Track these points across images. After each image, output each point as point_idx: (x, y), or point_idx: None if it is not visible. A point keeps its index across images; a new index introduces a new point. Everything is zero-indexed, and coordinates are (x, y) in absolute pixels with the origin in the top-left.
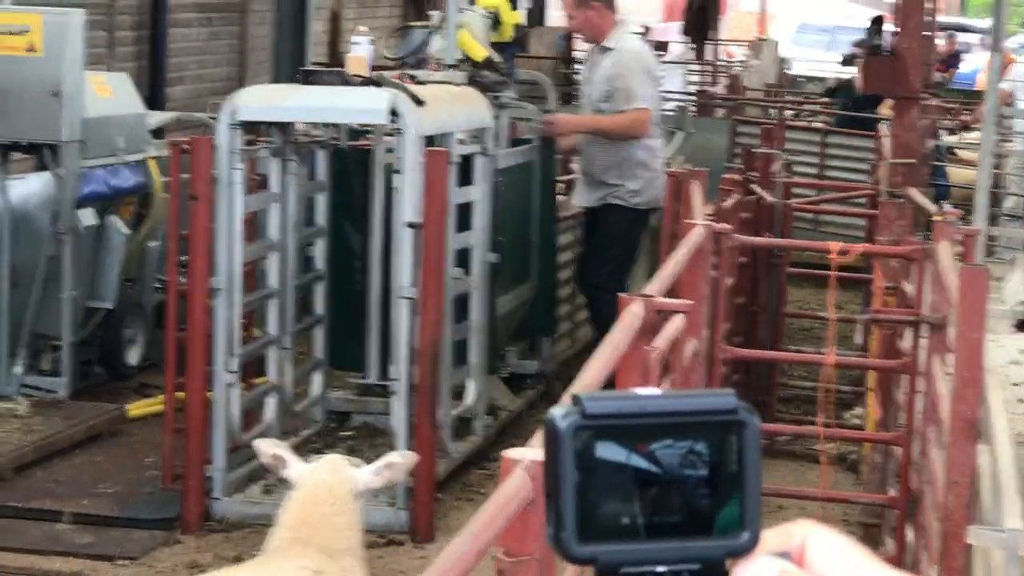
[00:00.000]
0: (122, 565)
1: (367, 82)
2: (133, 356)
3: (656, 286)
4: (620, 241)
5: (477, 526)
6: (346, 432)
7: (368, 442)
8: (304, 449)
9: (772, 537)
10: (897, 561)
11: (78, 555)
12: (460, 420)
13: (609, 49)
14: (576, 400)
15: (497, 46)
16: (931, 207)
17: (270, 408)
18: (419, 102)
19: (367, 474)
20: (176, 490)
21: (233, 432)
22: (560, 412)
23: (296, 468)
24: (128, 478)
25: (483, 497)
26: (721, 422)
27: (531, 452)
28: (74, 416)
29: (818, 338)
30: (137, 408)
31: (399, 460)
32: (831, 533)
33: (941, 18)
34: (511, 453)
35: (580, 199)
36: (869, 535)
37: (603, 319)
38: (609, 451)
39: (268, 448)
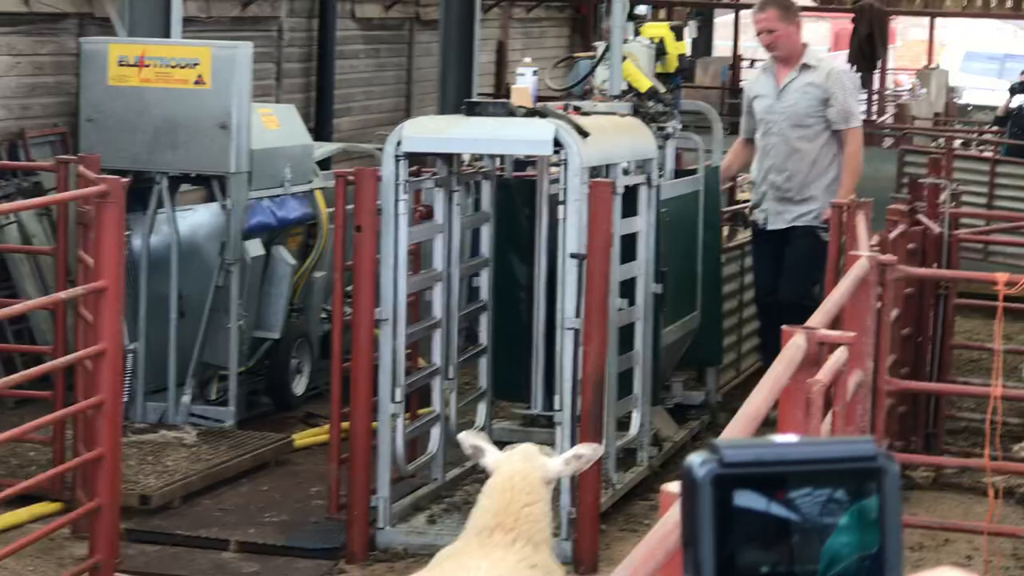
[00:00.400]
0: None
1: (531, 113)
2: (299, 386)
3: (820, 318)
4: (815, 261)
5: (637, 559)
6: None
7: None
8: (469, 479)
9: None
10: None
11: None
12: (624, 451)
13: (810, 67)
14: (714, 448)
15: (661, 76)
16: None
17: (435, 438)
18: (583, 133)
19: (558, 463)
20: (341, 519)
21: (398, 462)
22: (698, 460)
23: (493, 456)
24: (294, 507)
25: (646, 528)
26: (861, 469)
27: None
28: (241, 445)
29: (987, 369)
30: (303, 438)
31: (587, 451)
32: None
33: None
34: (670, 487)
35: (776, 222)
36: None
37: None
38: (748, 499)
39: (469, 439)
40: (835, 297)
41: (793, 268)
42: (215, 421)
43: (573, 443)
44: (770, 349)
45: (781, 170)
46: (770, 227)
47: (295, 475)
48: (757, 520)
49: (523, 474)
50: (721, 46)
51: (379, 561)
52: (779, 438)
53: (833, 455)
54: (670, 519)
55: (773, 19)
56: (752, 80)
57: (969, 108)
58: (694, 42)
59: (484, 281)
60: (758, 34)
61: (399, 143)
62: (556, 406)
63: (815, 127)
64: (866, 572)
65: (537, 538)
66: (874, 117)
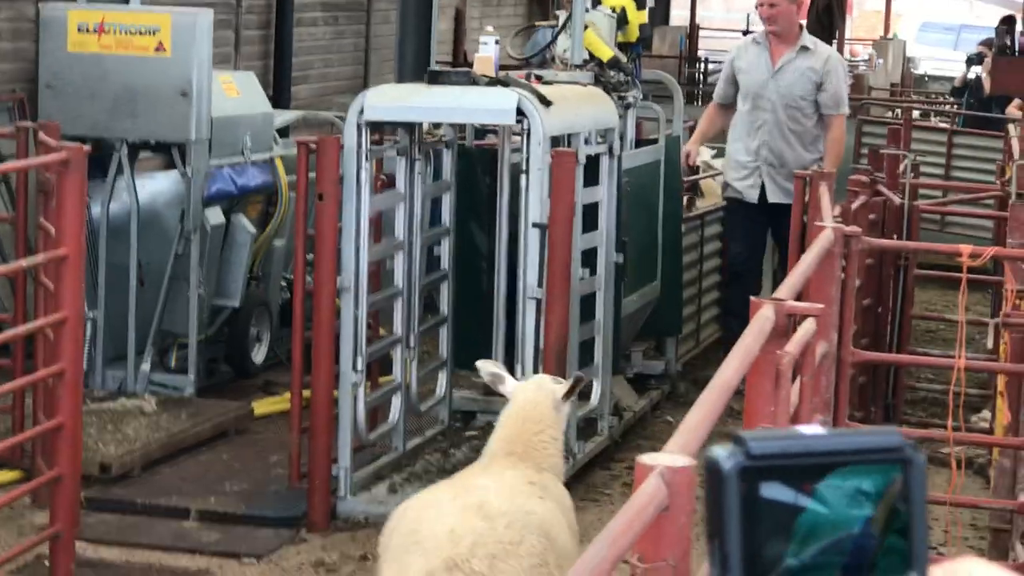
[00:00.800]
0: (248, 563)
1: (494, 82)
2: (259, 354)
3: (787, 289)
4: None
5: (614, 532)
6: (471, 432)
7: None
8: (430, 448)
9: (939, 574)
10: None
11: (204, 552)
12: (585, 420)
13: (808, 50)
14: (740, 440)
15: (622, 46)
16: None
17: (396, 407)
18: (546, 102)
19: (562, 389)
20: (302, 488)
21: (359, 431)
22: (724, 453)
23: (510, 384)
24: (254, 476)
25: (607, 498)
26: (887, 460)
27: (665, 458)
28: (201, 414)
29: (944, 340)
30: (263, 406)
31: (582, 376)
32: (996, 570)
33: None
34: (645, 459)
35: (776, 196)
36: (998, 541)
37: None
38: (775, 491)
39: (487, 367)
40: (801, 269)
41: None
42: (174, 389)
43: None
44: (740, 317)
45: (774, 148)
46: (770, 200)
47: (255, 444)
48: (784, 512)
49: (535, 403)
50: (678, 15)
51: (340, 530)
52: (805, 429)
53: (859, 446)
54: (645, 491)
55: None
56: (739, 50)
57: (926, 78)
58: (651, 11)
59: (445, 251)
60: (758, 6)
61: (362, 111)
62: (517, 376)
63: (806, 109)
64: (851, 550)
65: (544, 464)
66: None
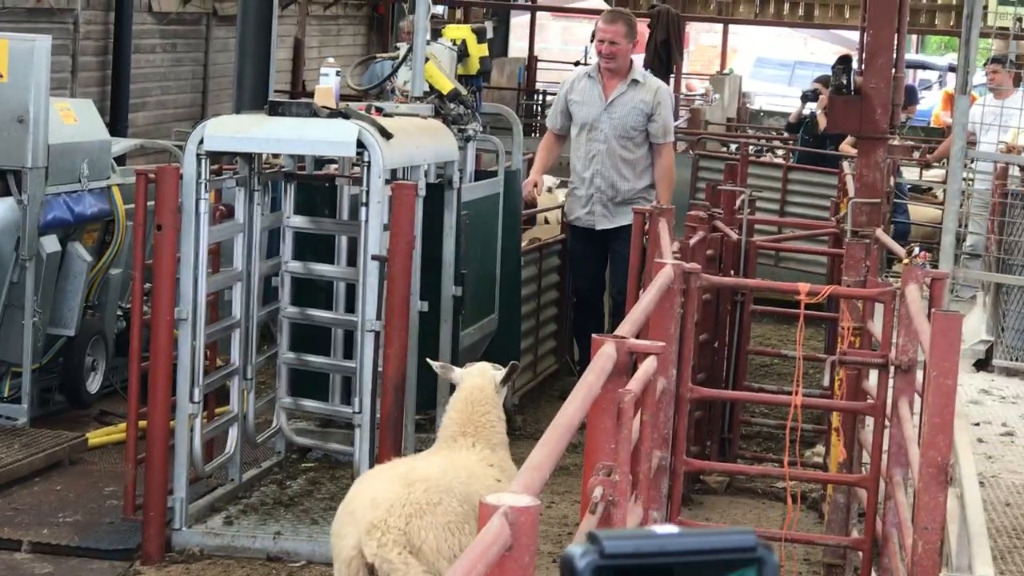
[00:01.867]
0: None
1: (335, 114)
2: (94, 384)
3: (628, 326)
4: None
5: (458, 573)
6: (308, 463)
7: (329, 474)
8: (266, 479)
9: None
10: None
11: None
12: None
13: (638, 82)
14: (594, 539)
15: (463, 78)
16: (900, 250)
17: (232, 438)
18: (387, 135)
19: (501, 374)
20: (137, 520)
21: (195, 462)
22: (579, 551)
23: (457, 373)
24: (88, 507)
25: None
26: (741, 560)
27: (509, 497)
28: (34, 444)
29: (778, 374)
30: (98, 436)
31: (511, 368)
32: None
33: None
34: (489, 498)
35: (604, 223)
36: None
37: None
38: None
39: (436, 363)
40: (642, 305)
41: (623, 264)
42: (7, 419)
43: (372, 446)
44: (585, 342)
45: (606, 176)
46: (599, 227)
47: (89, 475)
48: None
49: (480, 387)
50: (516, 47)
51: (175, 563)
52: (660, 529)
53: (713, 546)
54: (489, 531)
55: (620, 34)
56: (572, 81)
57: (761, 114)
58: (490, 43)
59: (287, 281)
60: (599, 42)
61: (202, 141)
62: (355, 408)
63: (637, 139)
64: None
65: (494, 441)
66: None
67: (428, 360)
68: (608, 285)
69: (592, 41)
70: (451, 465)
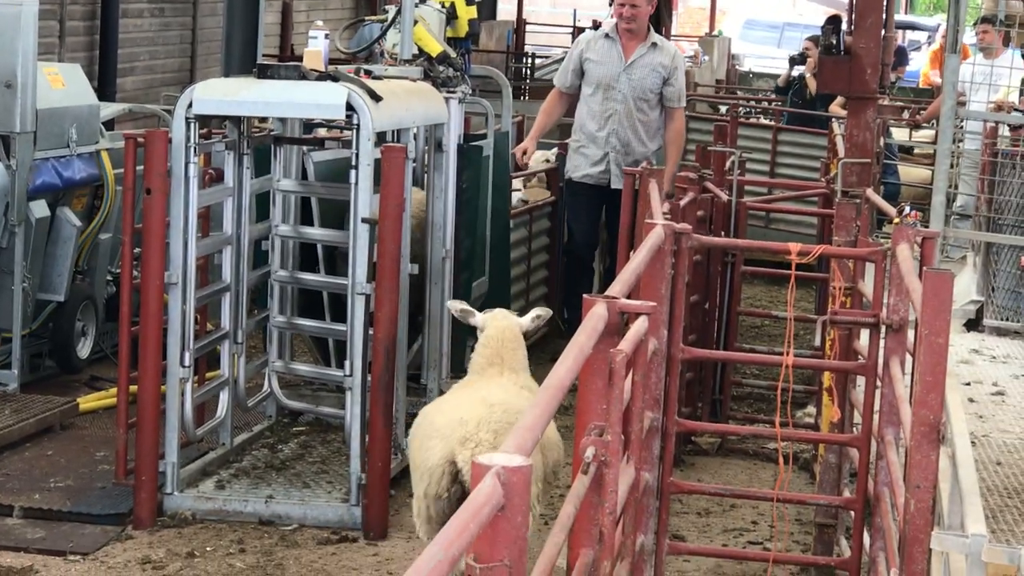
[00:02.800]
0: (73, 560)
1: (324, 77)
2: (84, 349)
3: (619, 287)
4: None
5: (451, 532)
6: (299, 427)
7: (321, 437)
8: (257, 444)
9: None
10: (854, 563)
11: (28, 550)
12: (412, 417)
13: (656, 45)
14: None
15: (452, 41)
16: (891, 209)
17: (223, 403)
18: (376, 97)
19: (526, 320)
20: (128, 485)
21: (186, 427)
22: None
23: (480, 318)
24: (80, 472)
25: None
26: None
27: (501, 457)
28: (25, 409)
29: (769, 336)
30: (89, 401)
31: (543, 313)
32: None
33: None
34: (481, 459)
35: (619, 183)
36: (823, 536)
37: None
38: None
39: (456, 304)
40: (633, 266)
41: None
42: None
43: (363, 408)
44: (576, 301)
45: (622, 137)
46: (614, 186)
47: (81, 440)
48: None
49: (508, 327)
50: (505, 10)
51: (167, 527)
52: None
53: None
54: (482, 491)
55: None
56: (588, 42)
57: (750, 75)
58: (479, 6)
59: (278, 245)
60: (620, 5)
61: (190, 104)
62: (346, 371)
63: (652, 101)
64: None
65: (517, 367)
66: None
67: (450, 303)
68: (608, 248)
69: (611, 4)
70: (506, 391)
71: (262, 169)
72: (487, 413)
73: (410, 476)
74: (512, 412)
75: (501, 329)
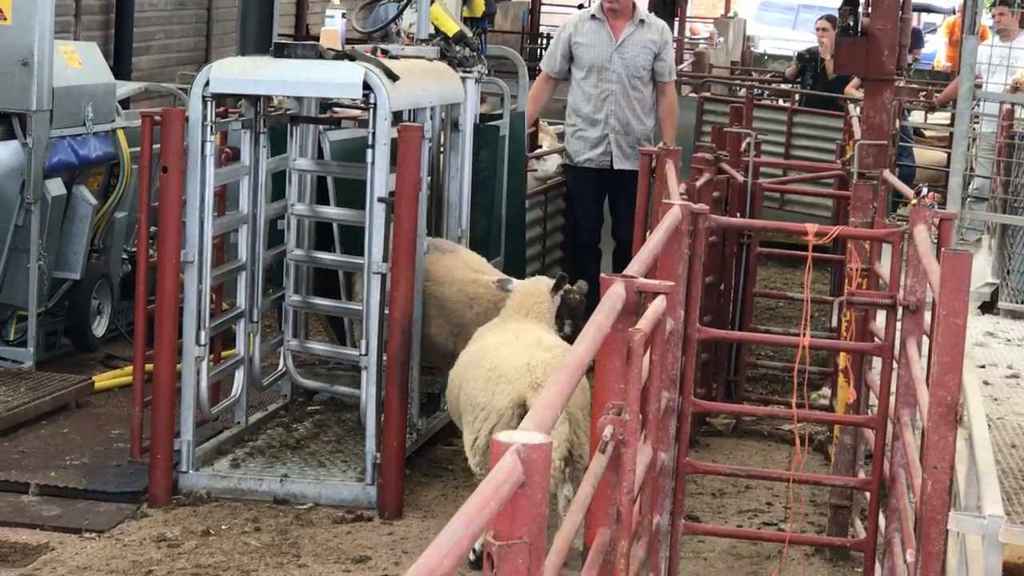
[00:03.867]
0: (89, 538)
1: (341, 56)
2: (99, 327)
3: (637, 266)
4: None
5: (471, 510)
6: (313, 406)
7: (336, 416)
8: (272, 423)
9: None
10: (870, 544)
11: (44, 527)
12: (427, 396)
13: (645, 23)
14: None
15: (468, 21)
16: (908, 191)
17: (238, 381)
18: (393, 76)
19: (551, 283)
20: (144, 463)
21: (202, 405)
22: None
23: (516, 283)
24: (95, 450)
25: (451, 474)
26: None
27: (521, 435)
28: (40, 387)
29: (784, 317)
30: (104, 380)
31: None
32: None
33: None
34: (501, 436)
35: (621, 163)
36: (838, 517)
37: None
38: None
39: (494, 275)
40: (650, 246)
41: (629, 212)
42: (13, 362)
43: (379, 388)
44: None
45: (621, 117)
46: (616, 167)
47: (96, 418)
48: None
49: (535, 284)
50: None
51: (182, 505)
52: None
53: None
54: (502, 468)
55: None
56: (575, 25)
57: (766, 57)
58: None
59: (293, 224)
60: None
61: (207, 83)
62: (362, 350)
63: (645, 78)
64: None
65: (543, 319)
66: None
67: (486, 278)
68: (614, 230)
69: None
70: (551, 336)
71: (279, 148)
72: (549, 358)
73: (424, 456)
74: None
75: (529, 287)
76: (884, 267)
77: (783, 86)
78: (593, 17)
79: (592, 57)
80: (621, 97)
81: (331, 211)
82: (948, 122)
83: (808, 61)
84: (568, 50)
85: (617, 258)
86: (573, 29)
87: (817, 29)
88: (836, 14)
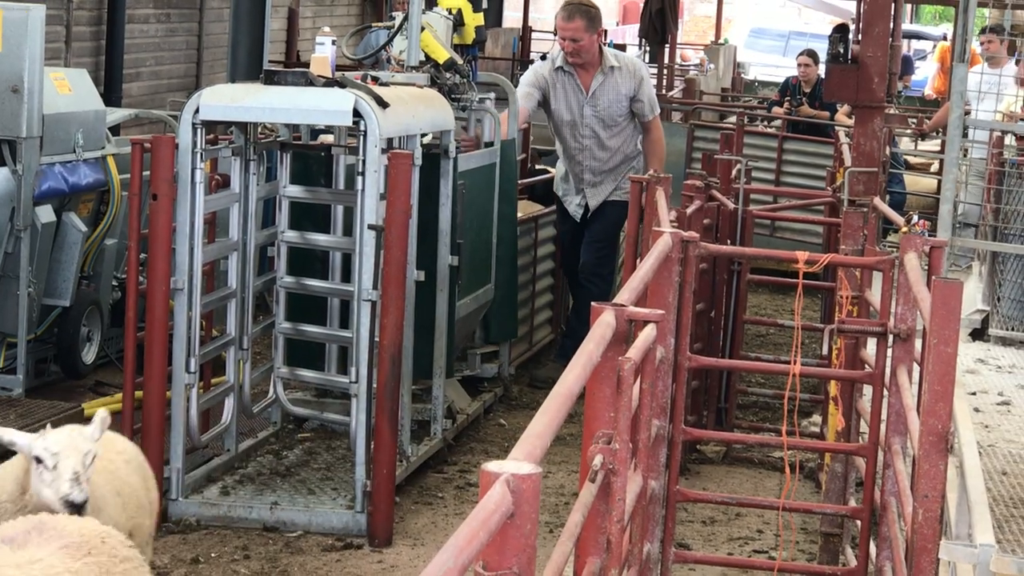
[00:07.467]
0: None
1: (331, 83)
2: (89, 354)
3: (627, 294)
4: (619, 231)
5: (460, 541)
6: (304, 433)
7: (326, 444)
8: (262, 450)
9: None
10: (860, 572)
11: None
12: (417, 423)
13: (615, 67)
14: None
15: (458, 47)
16: (898, 218)
17: (228, 409)
18: (383, 104)
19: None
20: None
21: (191, 433)
22: None
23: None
24: None
25: (441, 501)
26: None
27: (511, 465)
28: (30, 414)
29: (774, 344)
30: (94, 407)
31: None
32: None
33: None
34: (490, 466)
35: (596, 200)
36: (829, 545)
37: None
38: None
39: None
40: (641, 274)
41: (596, 235)
42: (3, 389)
43: (368, 415)
44: (583, 315)
45: (594, 169)
46: (592, 208)
47: None
48: None
49: None
50: (511, 17)
51: (172, 533)
52: None
53: None
54: (491, 498)
55: (580, 29)
56: (546, 76)
57: (756, 84)
58: (485, 12)
59: (283, 251)
60: (561, 39)
61: (197, 110)
62: (351, 378)
63: (623, 123)
64: None
65: None
66: (663, 92)
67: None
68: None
69: (555, 36)
70: None
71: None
72: None
73: (414, 484)
74: None
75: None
76: (875, 295)
77: (771, 114)
78: (563, 71)
79: (564, 113)
80: (597, 149)
81: (322, 238)
82: (937, 150)
83: (792, 87)
84: (543, 97)
85: (573, 278)
86: (546, 84)
87: (799, 65)
88: (818, 49)
